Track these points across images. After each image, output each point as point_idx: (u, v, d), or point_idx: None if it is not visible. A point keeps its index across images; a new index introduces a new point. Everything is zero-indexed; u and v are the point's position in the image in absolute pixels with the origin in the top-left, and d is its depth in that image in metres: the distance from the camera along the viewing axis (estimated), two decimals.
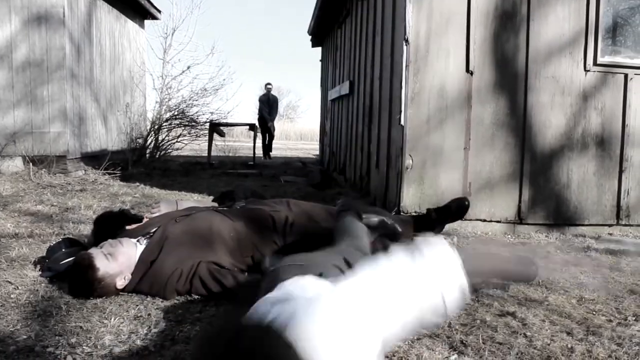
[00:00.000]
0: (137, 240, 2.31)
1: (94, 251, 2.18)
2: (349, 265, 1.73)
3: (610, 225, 3.81)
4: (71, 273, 2.18)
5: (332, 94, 8.19)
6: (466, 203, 2.90)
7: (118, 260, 2.15)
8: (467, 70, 3.64)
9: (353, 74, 6.24)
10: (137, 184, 5.99)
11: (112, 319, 1.92)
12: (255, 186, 5.65)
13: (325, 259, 1.72)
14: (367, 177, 5.03)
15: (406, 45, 3.59)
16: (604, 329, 1.95)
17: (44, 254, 2.62)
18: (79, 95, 6.96)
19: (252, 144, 9.91)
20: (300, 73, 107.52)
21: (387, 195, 4.07)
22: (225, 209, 2.69)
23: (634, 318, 2.08)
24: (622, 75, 3.73)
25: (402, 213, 3.62)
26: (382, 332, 1.29)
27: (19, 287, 2.25)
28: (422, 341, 1.79)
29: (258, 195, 3.19)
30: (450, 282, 1.45)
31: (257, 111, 13.39)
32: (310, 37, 11.02)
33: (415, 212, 3.61)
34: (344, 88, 6.68)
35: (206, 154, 9.32)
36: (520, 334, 1.88)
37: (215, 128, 9.11)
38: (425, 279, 1.41)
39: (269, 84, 13.32)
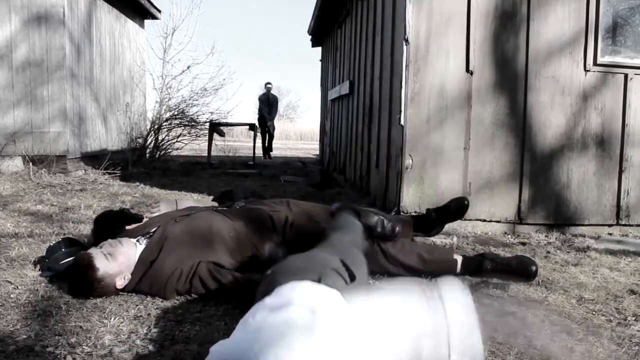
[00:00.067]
0: (137, 240, 2.31)
1: (93, 251, 2.18)
2: (346, 267, 1.71)
3: (610, 225, 3.81)
4: (71, 273, 2.18)
5: (332, 93, 8.19)
6: (465, 203, 2.90)
7: (118, 260, 2.15)
8: (467, 70, 3.64)
9: (353, 74, 6.24)
10: (137, 183, 5.99)
11: (112, 319, 1.92)
12: (255, 186, 5.65)
13: (324, 262, 1.70)
14: (367, 177, 5.03)
15: (406, 45, 3.59)
16: (604, 329, 1.95)
17: (44, 254, 2.63)
18: (79, 95, 6.96)
19: (252, 144, 9.91)
20: (300, 73, 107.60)
21: (387, 195, 4.07)
22: (225, 209, 2.69)
23: (633, 318, 2.08)
24: (622, 75, 3.73)
25: (402, 213, 3.62)
26: None
27: (19, 287, 2.25)
28: None
29: (258, 195, 3.19)
30: (463, 345, 1.25)
31: (257, 111, 13.39)
32: (310, 37, 11.02)
33: (415, 212, 3.61)
34: (344, 88, 6.68)
35: (206, 154, 9.32)
36: (520, 334, 1.88)
37: (215, 128, 9.11)
38: (435, 331, 1.24)
39: (268, 83, 13.31)
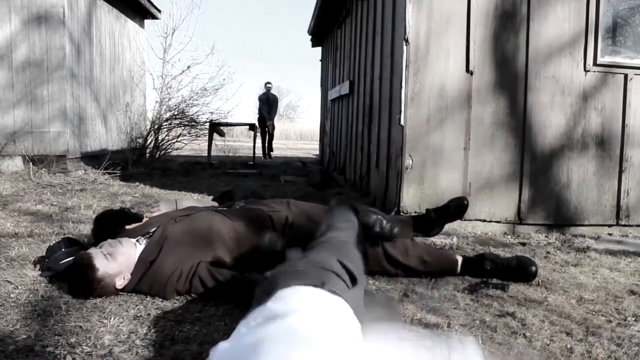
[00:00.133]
0: (137, 240, 2.31)
1: (93, 251, 2.18)
2: (347, 269, 1.70)
3: (610, 226, 3.81)
4: (71, 273, 2.18)
5: (332, 93, 8.19)
6: (465, 202, 2.90)
7: (117, 260, 2.15)
8: (467, 70, 3.64)
9: (353, 74, 6.24)
10: (137, 183, 5.99)
11: (112, 319, 1.92)
12: (255, 186, 5.65)
13: (325, 265, 1.68)
14: (367, 177, 5.03)
15: (406, 45, 3.59)
16: (604, 330, 1.95)
17: (44, 254, 2.63)
18: (78, 95, 6.96)
19: (252, 144, 9.91)
20: (300, 73, 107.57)
21: (387, 195, 4.07)
22: (224, 209, 2.69)
23: (633, 319, 2.08)
24: (622, 76, 3.73)
25: (402, 213, 3.62)
26: None
27: (19, 287, 2.25)
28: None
29: (258, 195, 3.19)
30: None
31: (257, 111, 13.38)
32: (310, 37, 11.02)
33: (415, 212, 3.61)
34: (344, 88, 6.67)
35: (206, 154, 9.32)
36: (520, 335, 1.88)
37: (215, 128, 9.11)
38: None
39: (268, 83, 13.30)
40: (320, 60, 11.21)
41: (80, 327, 1.86)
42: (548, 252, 3.18)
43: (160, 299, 2.15)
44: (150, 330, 1.86)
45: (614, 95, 3.74)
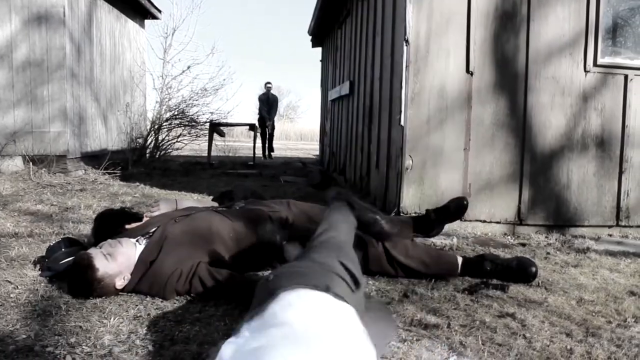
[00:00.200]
0: (137, 240, 2.31)
1: (93, 251, 2.18)
2: (350, 272, 1.68)
3: (610, 227, 3.80)
4: (70, 273, 2.18)
5: (332, 94, 8.20)
6: (465, 202, 2.89)
7: (117, 260, 2.15)
8: (467, 70, 3.64)
9: (353, 75, 6.24)
10: (137, 183, 5.99)
11: (112, 319, 1.92)
12: (255, 186, 5.65)
13: (329, 267, 1.66)
14: (367, 178, 5.03)
15: (406, 45, 3.59)
16: (604, 331, 1.95)
17: (44, 254, 2.63)
18: (79, 95, 6.96)
19: (252, 144, 9.91)
20: (301, 73, 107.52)
21: (387, 196, 4.07)
22: (224, 209, 2.69)
23: (633, 320, 2.08)
24: (622, 76, 3.73)
25: (402, 214, 3.62)
26: None
27: (19, 287, 2.25)
28: (421, 342, 1.79)
29: (258, 196, 3.19)
30: None
31: (257, 111, 13.38)
32: (310, 37, 11.02)
33: (415, 212, 3.61)
34: (344, 88, 6.67)
35: (206, 154, 9.32)
36: (520, 335, 1.88)
37: (215, 128, 9.11)
38: None
39: (268, 83, 13.29)
40: (321, 61, 11.22)
41: (80, 327, 1.86)
42: (548, 253, 3.18)
43: (160, 299, 2.15)
44: (150, 330, 1.86)
45: (614, 96, 3.74)
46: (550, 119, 3.71)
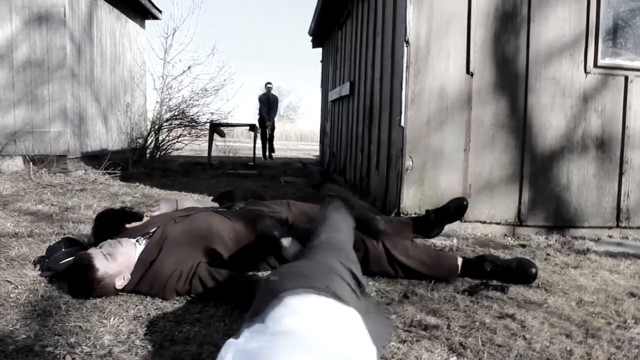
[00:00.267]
0: (137, 241, 2.31)
1: (93, 251, 2.18)
2: (354, 275, 1.67)
3: (610, 228, 3.80)
4: (70, 273, 2.18)
5: (333, 94, 8.20)
6: (465, 203, 2.89)
7: (117, 260, 2.15)
8: (468, 71, 3.64)
9: (353, 75, 6.24)
10: (137, 184, 5.99)
11: (112, 319, 1.92)
12: (255, 187, 5.65)
13: (332, 269, 1.64)
14: (367, 178, 5.03)
15: (406, 46, 3.59)
16: (603, 332, 1.95)
17: (44, 254, 2.63)
18: (79, 95, 6.97)
19: (253, 145, 9.92)
20: (301, 73, 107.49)
21: (387, 197, 4.07)
22: (224, 209, 2.69)
23: (633, 321, 2.08)
24: (623, 78, 3.73)
25: (402, 214, 3.62)
26: None
27: (19, 287, 2.25)
28: (421, 343, 1.79)
29: (258, 196, 3.20)
30: None
31: (257, 111, 13.38)
32: (311, 38, 11.03)
33: (415, 213, 3.61)
34: (345, 89, 6.68)
35: (206, 155, 9.33)
36: (520, 336, 1.88)
37: (216, 128, 9.12)
38: None
39: (269, 83, 13.29)
40: (321, 61, 11.22)
41: (80, 327, 1.86)
42: (548, 254, 3.18)
43: (160, 300, 2.15)
44: (150, 330, 1.86)
45: (614, 97, 3.74)
46: (551, 120, 3.71)
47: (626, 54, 3.81)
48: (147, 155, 8.79)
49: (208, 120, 9.29)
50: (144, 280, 2.20)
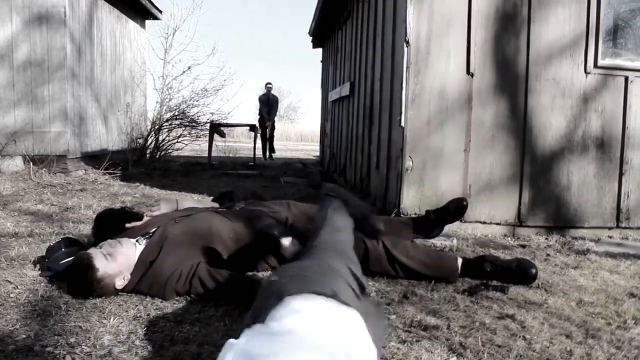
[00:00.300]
0: (137, 241, 2.31)
1: (93, 251, 2.18)
2: (356, 277, 1.67)
3: (610, 228, 3.80)
4: (70, 273, 2.18)
5: (333, 95, 8.20)
6: (464, 203, 2.89)
7: (117, 260, 2.15)
8: (468, 72, 3.64)
9: (353, 76, 6.24)
10: (137, 184, 5.99)
11: (112, 319, 1.92)
12: (255, 187, 5.65)
13: (334, 269, 1.63)
14: (367, 179, 5.03)
15: (407, 46, 3.59)
16: (603, 332, 1.95)
17: (44, 254, 2.63)
18: (79, 95, 6.97)
19: (253, 145, 9.92)
20: (301, 74, 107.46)
21: (387, 197, 4.07)
22: (224, 210, 2.69)
23: (633, 321, 2.08)
24: (623, 78, 3.73)
25: (402, 215, 3.62)
26: None
27: (19, 287, 2.25)
28: (421, 343, 1.79)
29: (258, 196, 3.20)
30: None
31: (257, 111, 13.38)
32: (311, 38, 11.03)
33: (415, 213, 3.61)
34: (345, 89, 6.68)
35: (206, 155, 9.33)
36: (520, 337, 1.88)
37: (216, 128, 9.12)
38: None
39: (269, 83, 13.29)
40: (321, 62, 11.22)
41: (80, 327, 1.86)
42: (548, 255, 3.18)
43: (160, 300, 2.15)
44: (150, 330, 1.86)
45: (614, 98, 3.74)
46: (551, 120, 3.71)
47: (626, 55, 3.81)
48: (147, 155, 8.79)
49: (208, 121, 9.29)
50: (144, 280, 2.20)
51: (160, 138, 9.10)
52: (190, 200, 3.40)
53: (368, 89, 5.15)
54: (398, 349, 1.74)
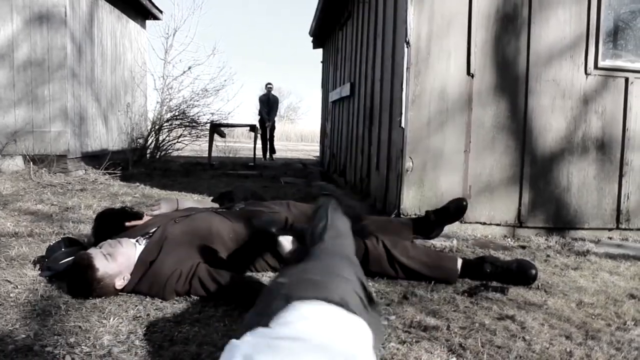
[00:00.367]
0: (137, 241, 2.31)
1: (93, 251, 2.18)
2: (364, 286, 1.65)
3: (610, 229, 3.80)
4: (70, 273, 2.18)
5: (333, 95, 8.20)
6: (464, 203, 2.89)
7: (117, 260, 2.15)
8: (468, 72, 3.64)
9: (354, 76, 6.24)
10: (137, 184, 5.99)
11: (111, 319, 1.92)
12: (255, 187, 5.65)
13: (340, 274, 1.61)
14: (367, 179, 5.03)
15: (407, 47, 3.59)
16: (603, 333, 1.95)
17: (44, 254, 2.63)
18: (79, 95, 6.97)
19: (253, 145, 9.92)
20: (302, 74, 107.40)
21: (387, 198, 4.07)
22: (224, 210, 2.69)
23: (633, 322, 2.08)
24: (623, 79, 3.73)
25: (402, 215, 3.62)
26: None
27: (18, 286, 2.25)
28: (420, 344, 1.79)
29: (258, 197, 3.19)
30: None
31: (257, 112, 13.38)
32: (311, 38, 11.03)
33: (415, 214, 3.61)
34: (345, 90, 6.68)
35: (206, 155, 9.33)
36: (519, 338, 1.88)
37: (216, 129, 9.12)
38: None
39: (269, 83, 13.30)
40: (322, 62, 11.22)
41: (80, 327, 1.86)
42: (548, 256, 3.18)
43: (160, 300, 2.15)
44: (150, 330, 1.86)
45: (614, 99, 3.74)
46: (551, 121, 3.71)
47: (627, 56, 3.81)
48: (148, 155, 8.79)
49: (208, 121, 9.30)
50: (144, 281, 2.20)
51: (161, 138, 9.11)
52: (190, 201, 3.40)
53: (368, 90, 5.15)
54: (398, 349, 1.74)
